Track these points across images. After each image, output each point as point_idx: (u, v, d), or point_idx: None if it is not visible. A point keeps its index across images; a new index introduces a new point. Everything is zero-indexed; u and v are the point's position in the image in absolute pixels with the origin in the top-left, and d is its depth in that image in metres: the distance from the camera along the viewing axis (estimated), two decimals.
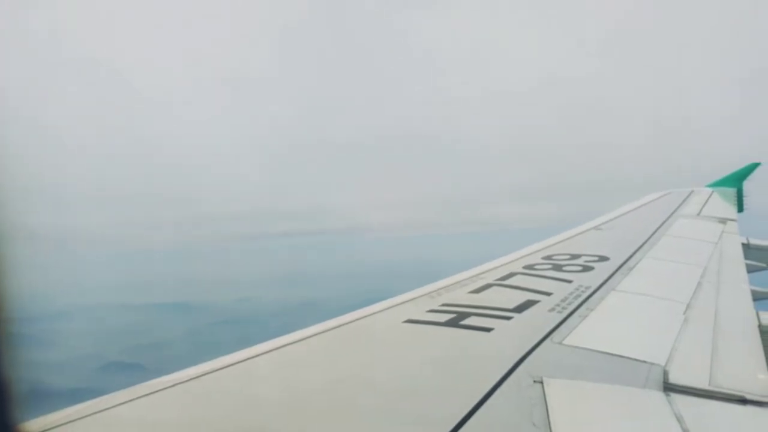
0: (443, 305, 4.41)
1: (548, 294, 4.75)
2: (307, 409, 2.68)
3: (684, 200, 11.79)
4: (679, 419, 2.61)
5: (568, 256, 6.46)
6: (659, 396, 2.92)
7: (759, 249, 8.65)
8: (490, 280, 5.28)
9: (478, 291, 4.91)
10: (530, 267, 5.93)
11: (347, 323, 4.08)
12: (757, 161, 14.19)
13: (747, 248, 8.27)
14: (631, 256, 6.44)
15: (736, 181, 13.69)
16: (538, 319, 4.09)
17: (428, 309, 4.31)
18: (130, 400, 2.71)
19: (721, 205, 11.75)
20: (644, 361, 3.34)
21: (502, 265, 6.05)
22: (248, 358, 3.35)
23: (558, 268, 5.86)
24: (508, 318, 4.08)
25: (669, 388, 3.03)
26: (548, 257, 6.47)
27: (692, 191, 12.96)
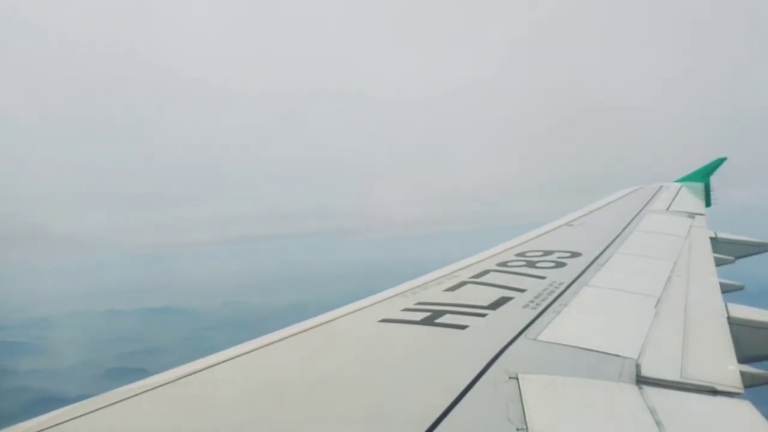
0: (418, 304, 4.40)
1: (522, 291, 4.77)
2: (281, 411, 2.64)
3: (653, 195, 11.97)
4: (652, 411, 2.65)
5: (541, 253, 6.50)
6: (632, 389, 2.96)
7: (727, 242, 8.82)
8: (464, 278, 5.29)
9: (452, 289, 4.91)
10: (504, 264, 5.95)
11: (321, 324, 4.05)
12: (723, 156, 14.49)
13: (715, 242, 8.42)
14: (602, 252, 6.51)
15: (703, 176, 13.95)
16: (513, 315, 4.10)
17: (403, 308, 4.29)
18: (104, 407, 2.66)
19: (690, 199, 11.96)
20: (617, 355, 3.38)
21: (476, 263, 6.07)
22: (222, 362, 3.30)
23: (531, 264, 5.89)
24: (483, 315, 4.08)
25: (642, 381, 3.07)
26: (521, 254, 6.50)
27: (661, 186, 13.16)
